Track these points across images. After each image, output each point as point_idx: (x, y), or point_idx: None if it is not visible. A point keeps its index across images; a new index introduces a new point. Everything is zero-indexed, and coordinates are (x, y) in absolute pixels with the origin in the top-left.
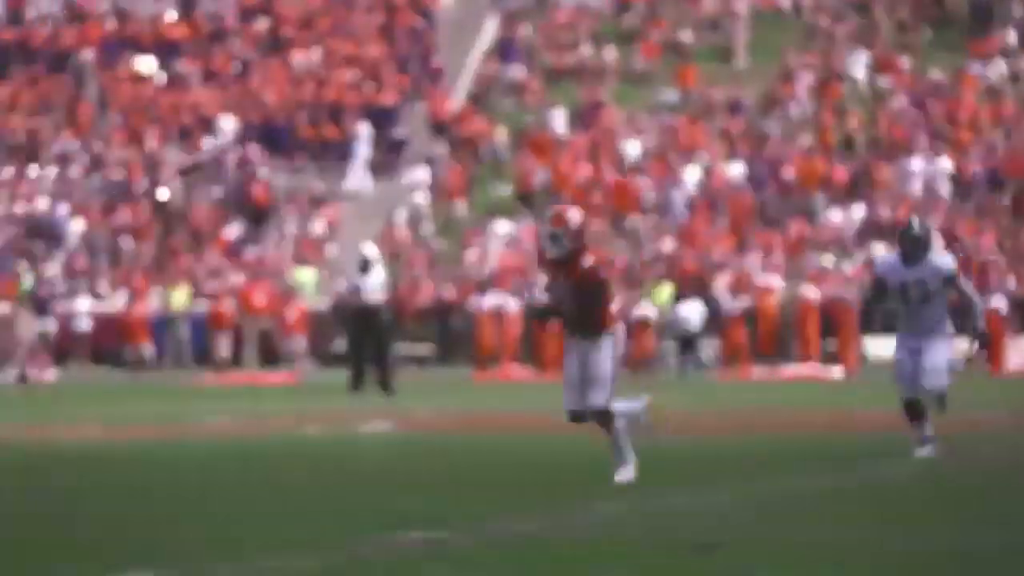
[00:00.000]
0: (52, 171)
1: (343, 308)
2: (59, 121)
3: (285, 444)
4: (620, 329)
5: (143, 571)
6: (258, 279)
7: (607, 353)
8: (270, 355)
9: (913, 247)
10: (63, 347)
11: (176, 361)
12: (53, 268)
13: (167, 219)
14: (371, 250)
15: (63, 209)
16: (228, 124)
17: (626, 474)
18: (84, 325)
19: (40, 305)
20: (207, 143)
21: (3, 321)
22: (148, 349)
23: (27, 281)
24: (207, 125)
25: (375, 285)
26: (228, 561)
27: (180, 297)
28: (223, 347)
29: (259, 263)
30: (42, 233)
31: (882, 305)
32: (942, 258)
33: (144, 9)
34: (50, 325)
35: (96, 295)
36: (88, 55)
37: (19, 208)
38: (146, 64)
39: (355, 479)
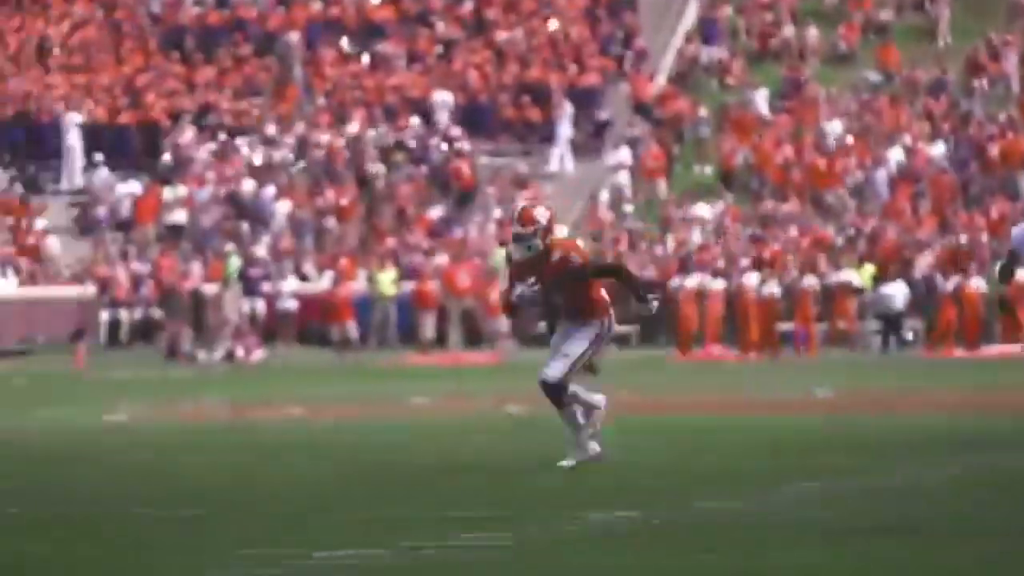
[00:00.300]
0: (259, 152)
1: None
2: (265, 103)
3: (487, 424)
4: (610, 316)
5: (349, 549)
6: (462, 260)
7: (585, 334)
8: (473, 335)
9: None
10: (270, 327)
11: (381, 341)
12: (260, 249)
13: (372, 200)
14: (564, 231)
15: (269, 191)
16: (443, 100)
17: (569, 461)
18: (290, 305)
19: (248, 286)
20: (412, 124)
21: (211, 301)
22: (353, 329)
23: (234, 262)
24: (413, 106)
25: None
26: (430, 539)
27: (387, 280)
28: (427, 327)
29: (463, 244)
30: (249, 214)
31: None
32: None
33: None
34: (258, 305)
35: (302, 276)
36: (294, 37)
37: (226, 189)
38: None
39: (553, 458)
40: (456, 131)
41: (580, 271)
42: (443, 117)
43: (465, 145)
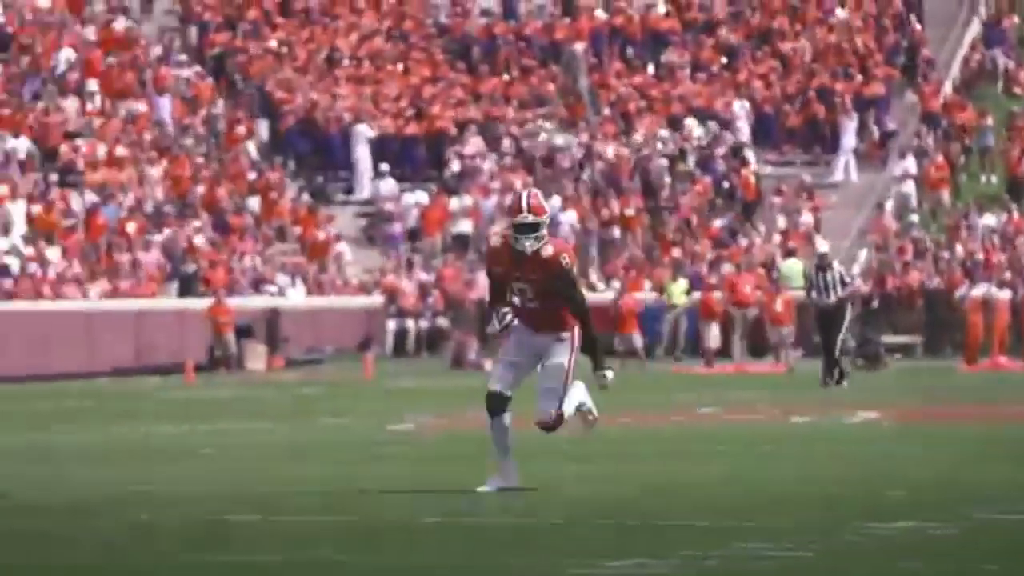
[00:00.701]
0: (539, 160)
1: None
2: (550, 113)
3: (771, 433)
4: (576, 331)
5: (635, 558)
6: (746, 270)
7: (562, 354)
8: (758, 345)
9: None
10: None
11: (668, 350)
12: None
13: (656, 210)
14: (825, 247)
15: (556, 201)
16: (741, 109)
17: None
18: None
19: None
20: (696, 133)
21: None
22: (638, 339)
23: None
24: (697, 114)
25: (833, 283)
26: (717, 549)
27: (678, 290)
28: (712, 337)
29: (747, 253)
30: None
31: None
32: None
33: (635, 1)
34: None
35: (589, 285)
36: (580, 47)
37: (504, 199)
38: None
39: (842, 468)
40: (742, 140)
41: (567, 275)
42: (743, 127)
43: (750, 154)
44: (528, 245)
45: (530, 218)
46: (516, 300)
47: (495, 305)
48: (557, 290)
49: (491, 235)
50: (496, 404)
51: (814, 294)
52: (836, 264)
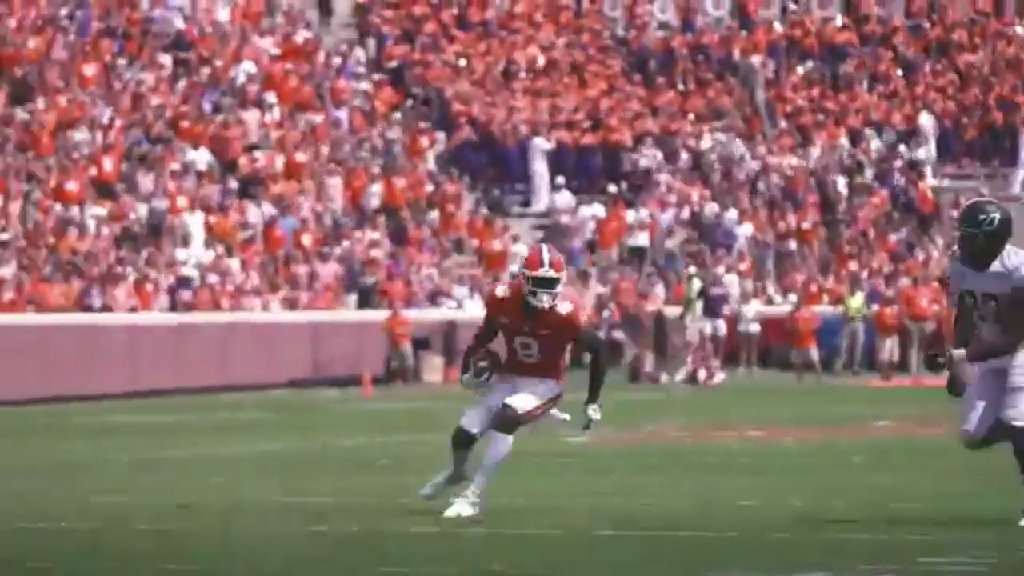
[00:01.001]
0: (716, 173)
1: None
2: (727, 126)
3: (946, 447)
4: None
5: (811, 572)
6: (923, 283)
7: (546, 393)
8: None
9: None
10: (731, 349)
11: (845, 364)
12: (722, 271)
13: (833, 223)
14: None
15: (731, 214)
16: (928, 124)
17: (460, 510)
18: (753, 328)
19: (709, 308)
20: (874, 146)
21: (673, 324)
22: (815, 352)
23: (696, 284)
24: (875, 128)
25: None
26: (894, 562)
27: (856, 303)
28: (889, 351)
29: (924, 267)
30: (710, 237)
31: None
32: None
33: (813, 14)
34: (719, 327)
35: (764, 298)
36: (756, 60)
37: (688, 212)
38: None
39: (1016, 483)
40: (920, 154)
41: (588, 334)
42: (929, 140)
43: (928, 168)
44: (545, 300)
45: (551, 273)
46: (516, 352)
47: (474, 353)
48: (571, 346)
49: (496, 285)
50: (464, 443)
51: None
52: None
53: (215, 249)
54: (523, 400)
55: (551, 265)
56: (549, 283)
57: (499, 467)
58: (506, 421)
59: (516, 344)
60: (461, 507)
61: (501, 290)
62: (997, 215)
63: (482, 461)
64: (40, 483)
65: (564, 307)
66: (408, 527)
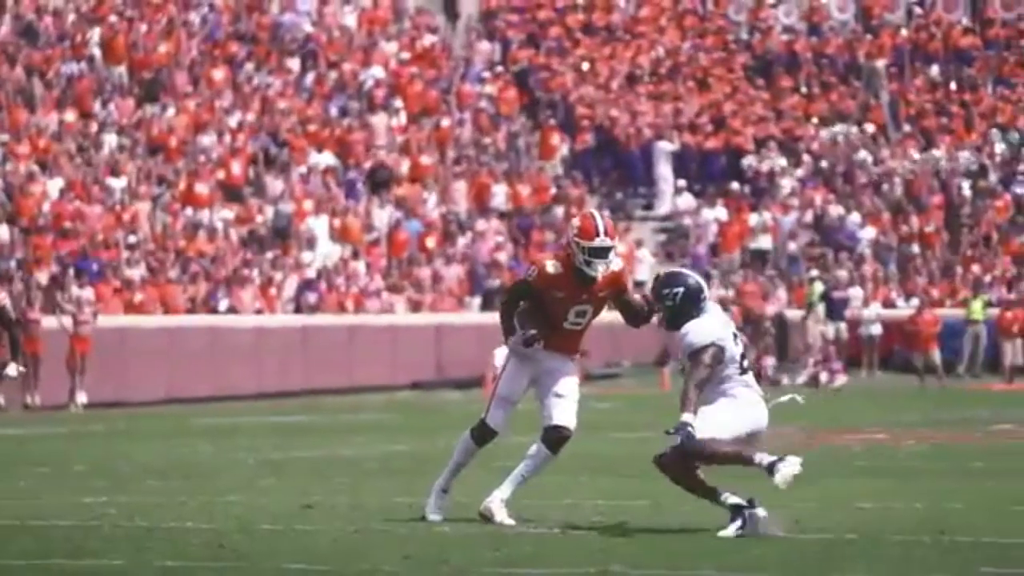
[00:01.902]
0: (839, 175)
1: None
2: (849, 129)
3: None
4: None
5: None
6: None
7: (573, 372)
8: None
9: None
10: (853, 352)
11: (968, 368)
12: (845, 274)
13: (957, 226)
14: None
15: (854, 217)
16: None
17: (503, 514)
18: (874, 331)
19: (831, 310)
20: (999, 149)
21: (795, 326)
22: (937, 355)
23: (818, 287)
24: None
25: None
26: (1017, 567)
27: (978, 306)
28: (1012, 354)
29: None
30: (833, 240)
31: None
32: None
33: (939, 17)
34: (841, 330)
35: (887, 301)
36: (880, 63)
37: (812, 215)
38: None
39: None
40: None
41: (624, 290)
42: None
43: None
44: (600, 269)
45: (607, 242)
46: (566, 322)
47: (510, 316)
48: (623, 303)
49: (543, 261)
50: (487, 438)
51: None
52: None
53: (341, 252)
54: (569, 415)
55: (606, 233)
56: (605, 252)
57: (529, 475)
58: (559, 441)
59: (571, 314)
60: (503, 516)
61: (552, 266)
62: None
63: (521, 470)
64: (169, 483)
65: (616, 264)
66: (527, 528)
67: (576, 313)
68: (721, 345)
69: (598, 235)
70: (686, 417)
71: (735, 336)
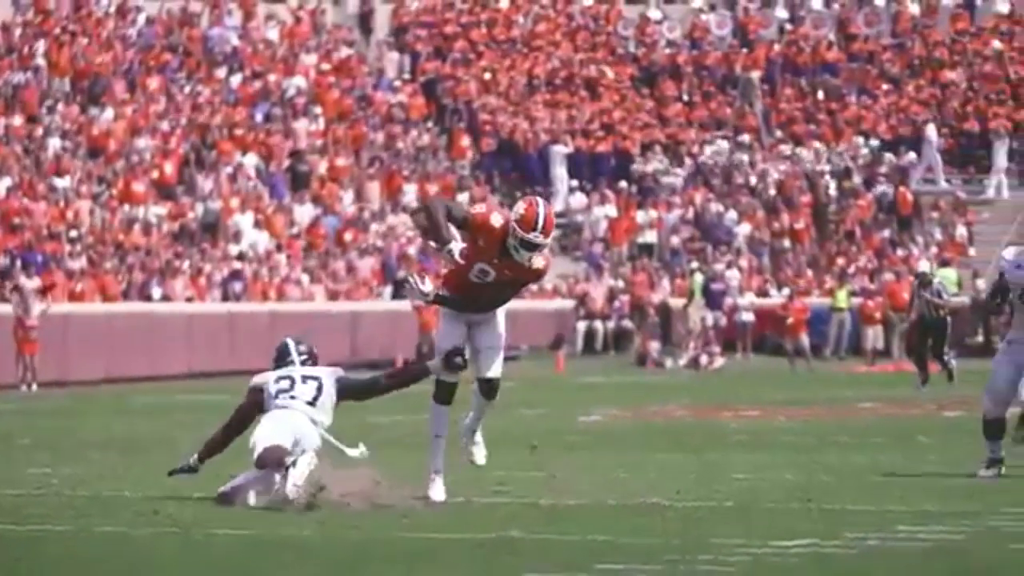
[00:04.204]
0: (718, 177)
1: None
2: (725, 135)
3: (926, 426)
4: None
5: (801, 539)
6: (905, 278)
7: (502, 323)
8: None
9: None
10: (729, 337)
11: (833, 351)
12: (722, 267)
13: (823, 223)
14: (925, 266)
15: (732, 214)
16: (932, 134)
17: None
18: (748, 318)
19: (710, 300)
20: (862, 153)
21: (678, 314)
22: (805, 340)
23: (698, 278)
24: (864, 137)
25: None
26: (877, 530)
27: (842, 295)
28: (873, 339)
29: (906, 263)
30: (712, 236)
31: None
32: None
33: (807, 33)
34: (719, 317)
35: (760, 291)
36: (755, 75)
37: (692, 212)
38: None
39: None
40: (905, 161)
41: (535, 281)
42: (931, 151)
43: (937, 173)
44: (525, 259)
45: (539, 239)
46: (472, 273)
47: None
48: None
49: (493, 210)
50: (448, 393)
51: (916, 306)
52: (936, 281)
53: (264, 245)
54: (495, 366)
55: (542, 231)
56: (533, 247)
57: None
58: (491, 390)
59: (475, 267)
60: (479, 456)
61: (496, 219)
62: None
63: (469, 421)
64: (108, 456)
65: (537, 262)
66: (459, 496)
67: (480, 270)
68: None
69: (533, 230)
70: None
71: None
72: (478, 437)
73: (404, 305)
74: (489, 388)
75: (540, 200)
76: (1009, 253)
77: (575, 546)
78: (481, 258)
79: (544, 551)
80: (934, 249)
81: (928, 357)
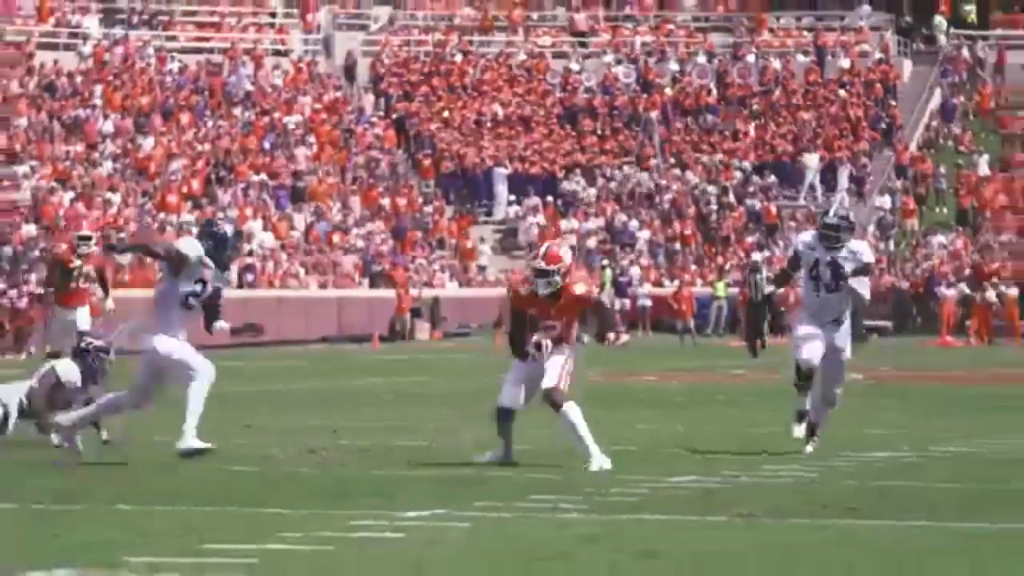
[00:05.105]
0: (624, 193)
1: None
2: (631, 161)
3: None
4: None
5: (698, 476)
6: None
7: (562, 357)
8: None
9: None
10: (632, 318)
11: (713, 330)
12: (627, 263)
13: (707, 230)
14: (758, 257)
15: (634, 223)
16: (811, 160)
17: (598, 462)
18: (647, 303)
19: (618, 289)
20: (735, 175)
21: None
22: (691, 322)
23: (609, 273)
24: (736, 163)
25: (760, 284)
26: (747, 470)
27: (721, 286)
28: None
29: (771, 260)
30: (619, 238)
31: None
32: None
33: (693, 81)
34: (625, 303)
35: (656, 282)
36: (654, 114)
37: (603, 221)
38: None
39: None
40: (767, 182)
41: (595, 302)
42: (813, 178)
43: (773, 192)
44: (541, 287)
45: (543, 265)
46: (532, 346)
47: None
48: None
49: (519, 286)
50: (505, 418)
51: (747, 291)
52: (764, 270)
53: (270, 244)
54: (550, 378)
55: (543, 258)
56: (543, 274)
57: (582, 430)
58: (554, 401)
59: (541, 325)
60: (600, 462)
61: (524, 290)
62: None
63: (575, 441)
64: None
65: (578, 288)
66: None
67: (545, 325)
68: None
69: (536, 258)
70: None
71: None
72: (592, 449)
73: (380, 292)
74: (551, 399)
75: (551, 241)
76: (805, 236)
77: (515, 482)
78: (543, 317)
79: (490, 486)
80: (791, 251)
81: (760, 334)
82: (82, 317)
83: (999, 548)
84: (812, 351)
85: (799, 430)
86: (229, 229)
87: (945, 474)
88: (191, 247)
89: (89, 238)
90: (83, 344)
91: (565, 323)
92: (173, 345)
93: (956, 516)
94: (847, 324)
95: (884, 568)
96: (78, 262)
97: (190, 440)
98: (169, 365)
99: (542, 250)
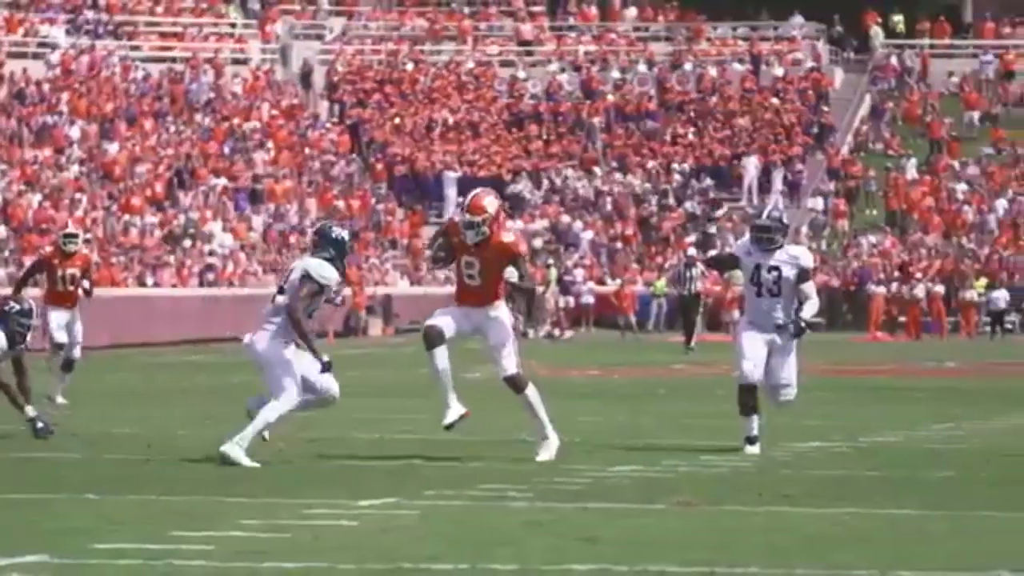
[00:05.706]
0: (568, 196)
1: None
2: (576, 164)
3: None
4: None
5: (640, 466)
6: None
7: (504, 319)
8: (717, 322)
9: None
10: (576, 315)
11: (654, 326)
12: (571, 262)
13: (648, 230)
14: (692, 251)
15: (578, 224)
16: (749, 164)
17: (546, 453)
18: (590, 300)
19: (563, 286)
20: (674, 178)
21: (538, 296)
22: (632, 318)
23: (554, 271)
24: (675, 167)
25: (693, 278)
26: (687, 460)
27: (660, 285)
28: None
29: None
30: (565, 239)
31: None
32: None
33: (637, 89)
34: (569, 300)
35: (599, 280)
36: (596, 120)
37: (549, 222)
38: None
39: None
40: (706, 185)
41: (517, 259)
42: (750, 181)
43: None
44: (468, 237)
45: (468, 217)
46: (465, 274)
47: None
48: (502, 270)
49: (454, 215)
50: (435, 339)
51: (679, 285)
52: (699, 264)
53: (230, 245)
54: (509, 362)
55: (467, 210)
56: (468, 225)
57: (540, 411)
58: (515, 384)
59: (463, 263)
60: (546, 453)
61: (459, 217)
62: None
63: (532, 419)
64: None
65: (506, 236)
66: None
67: (466, 263)
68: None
69: (463, 210)
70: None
71: None
72: (548, 428)
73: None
74: (513, 384)
75: (478, 190)
76: (740, 243)
77: (463, 471)
78: (461, 254)
79: (440, 475)
80: (728, 249)
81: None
82: (61, 319)
83: (921, 532)
84: (751, 367)
85: (753, 449)
86: (345, 234)
87: (874, 463)
88: (329, 274)
89: (75, 236)
90: (5, 307)
91: (494, 278)
92: (277, 355)
93: (883, 503)
94: (791, 327)
95: (813, 552)
96: (69, 269)
97: (237, 450)
98: (264, 368)
99: (467, 200)
